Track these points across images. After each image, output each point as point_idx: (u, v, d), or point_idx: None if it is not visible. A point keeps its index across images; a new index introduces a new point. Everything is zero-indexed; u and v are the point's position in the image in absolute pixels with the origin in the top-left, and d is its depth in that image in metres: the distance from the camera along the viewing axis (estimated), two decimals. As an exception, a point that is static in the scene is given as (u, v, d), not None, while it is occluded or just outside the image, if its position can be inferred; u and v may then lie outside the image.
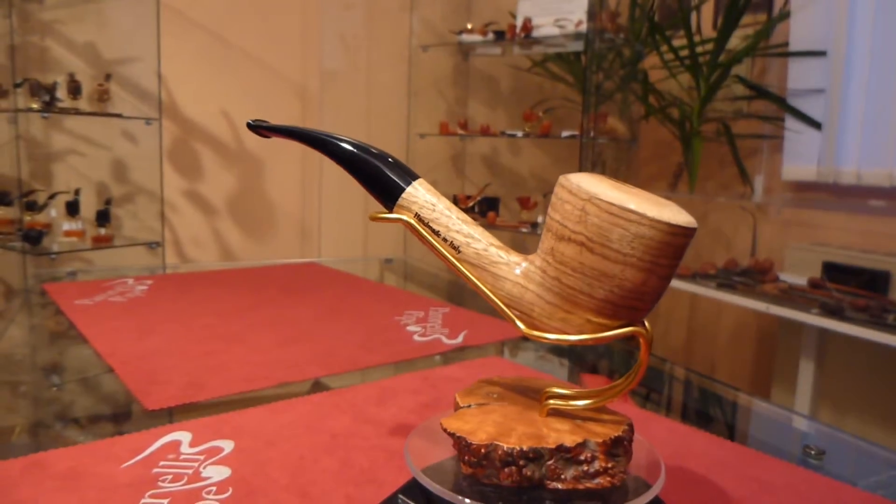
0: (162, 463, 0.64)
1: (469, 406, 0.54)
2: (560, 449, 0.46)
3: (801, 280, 2.06)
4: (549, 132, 2.66)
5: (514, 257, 0.52)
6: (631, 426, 0.50)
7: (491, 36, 2.77)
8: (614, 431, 0.48)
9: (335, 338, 1.06)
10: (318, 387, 0.87)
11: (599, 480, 0.46)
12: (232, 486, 0.60)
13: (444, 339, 1.06)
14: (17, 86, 2.10)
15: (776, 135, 2.38)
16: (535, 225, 2.68)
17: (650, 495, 0.47)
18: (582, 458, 0.46)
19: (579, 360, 1.09)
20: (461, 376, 0.90)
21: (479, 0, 3.08)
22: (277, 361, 0.94)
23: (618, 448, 0.47)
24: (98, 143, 2.41)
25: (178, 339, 1.03)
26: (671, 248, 0.45)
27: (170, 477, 0.62)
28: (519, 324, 0.51)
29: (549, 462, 0.47)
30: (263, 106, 2.74)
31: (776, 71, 2.44)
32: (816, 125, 2.22)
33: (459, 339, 1.06)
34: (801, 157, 2.29)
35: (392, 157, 0.55)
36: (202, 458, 0.66)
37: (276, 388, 0.85)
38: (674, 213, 0.45)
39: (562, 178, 0.48)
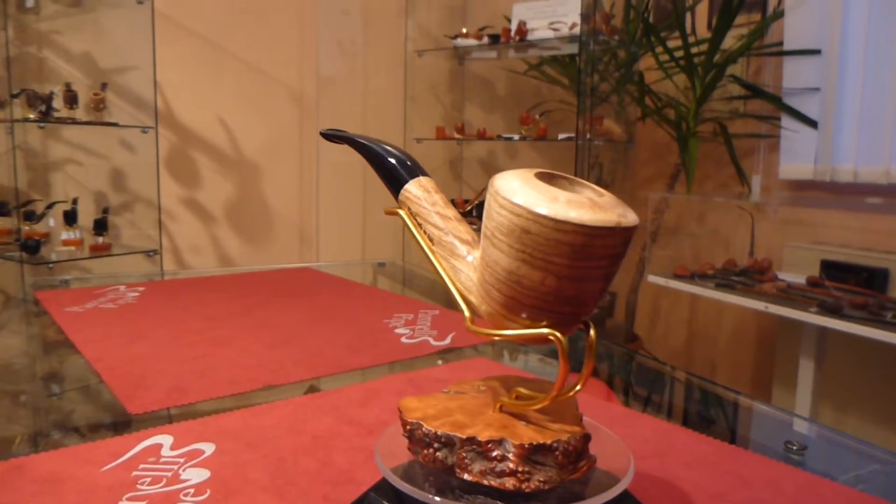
0: (142, 466, 0.65)
1: (447, 392, 0.55)
2: (470, 440, 0.46)
3: (799, 279, 2.05)
4: (546, 135, 2.67)
5: (477, 251, 0.52)
6: (579, 438, 0.48)
7: (486, 40, 2.78)
8: (541, 438, 0.46)
9: (323, 341, 1.06)
10: (305, 390, 0.87)
11: (504, 480, 0.45)
12: (210, 487, 0.61)
13: (432, 341, 1.06)
14: (14, 96, 2.11)
15: (772, 134, 2.37)
16: (532, 228, 2.67)
17: (614, 492, 0.47)
18: (493, 454, 0.46)
19: (578, 363, 1.09)
20: (447, 377, 0.90)
21: (473, 4, 3.09)
22: (264, 365, 0.94)
23: (542, 456, 0.46)
24: (95, 152, 2.43)
25: (167, 344, 1.03)
26: (564, 246, 0.42)
27: (148, 480, 0.62)
28: (466, 314, 0.51)
29: (460, 451, 0.47)
30: (260, 113, 2.75)
31: (771, 70, 2.44)
32: (812, 124, 2.22)
33: (447, 341, 1.06)
34: (797, 155, 2.29)
35: (406, 157, 0.59)
36: (182, 460, 0.66)
37: (262, 390, 0.86)
38: (572, 210, 0.42)
39: None
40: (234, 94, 2.67)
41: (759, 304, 1.91)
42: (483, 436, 0.46)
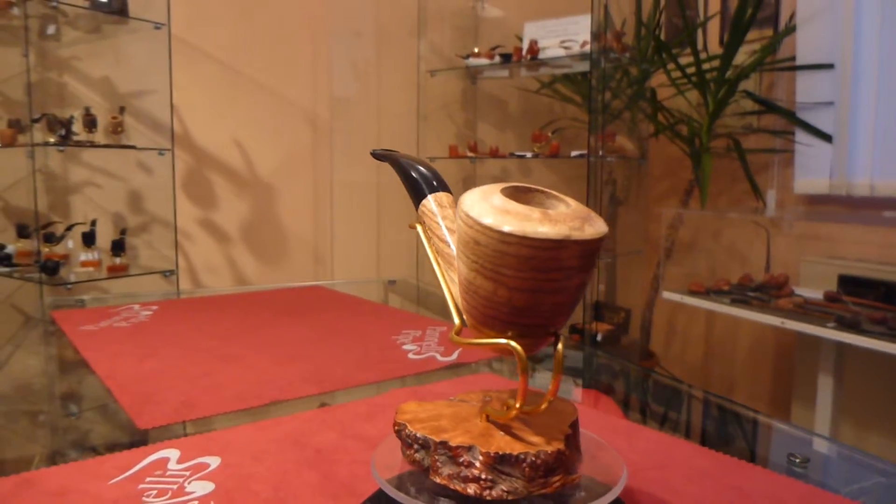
0: (148, 479, 0.66)
1: (452, 399, 0.57)
2: (443, 444, 0.48)
3: (816, 294, 2.03)
4: (559, 152, 2.67)
5: None
6: (550, 453, 0.47)
7: (498, 59, 2.80)
8: (509, 449, 0.47)
9: (331, 357, 1.07)
10: (312, 405, 0.88)
11: (468, 486, 0.46)
12: (214, 499, 0.61)
13: (439, 357, 1.06)
14: (34, 121, 2.16)
15: (787, 149, 2.36)
16: (546, 245, 2.67)
17: (603, 502, 0.47)
18: (461, 459, 0.47)
19: (594, 380, 1.09)
20: (451, 392, 0.90)
21: (485, 24, 3.12)
22: (272, 381, 0.95)
23: (509, 466, 0.46)
24: (113, 175, 2.47)
25: (177, 361, 1.05)
26: (510, 258, 0.43)
27: (154, 492, 0.63)
28: (455, 323, 0.52)
29: (433, 453, 0.48)
30: (275, 134, 2.78)
31: (784, 85, 2.43)
32: (827, 138, 2.21)
33: (454, 357, 1.07)
34: (812, 170, 2.27)
35: (432, 175, 0.61)
36: (188, 473, 0.67)
37: (270, 406, 0.87)
38: (519, 222, 0.43)
39: None
40: (249, 116, 2.71)
41: (775, 320, 1.90)
42: (455, 441, 0.48)
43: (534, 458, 0.46)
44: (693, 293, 2.19)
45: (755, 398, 2.52)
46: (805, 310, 1.90)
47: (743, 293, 2.11)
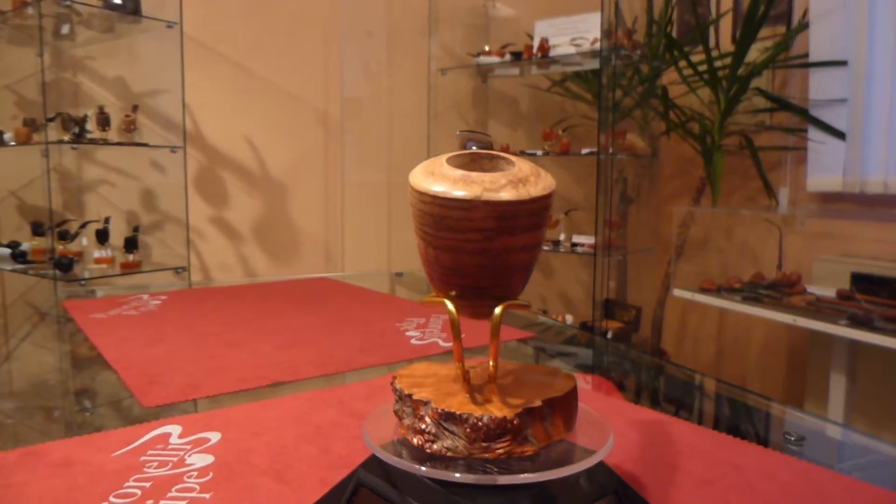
0: (150, 452, 0.67)
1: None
2: (408, 397, 0.50)
3: (829, 292, 2.01)
4: (569, 150, 2.68)
5: None
6: (494, 418, 0.47)
7: (508, 57, 2.81)
8: (457, 408, 0.48)
9: (334, 342, 1.08)
10: (313, 387, 0.89)
11: (416, 437, 0.49)
12: (213, 471, 0.62)
13: (441, 343, 1.07)
14: (49, 120, 2.19)
15: (800, 146, 2.35)
16: (556, 243, 2.68)
17: (586, 464, 0.47)
18: (417, 412, 0.49)
19: (604, 372, 1.09)
20: (453, 375, 0.90)
21: (495, 22, 3.13)
22: (275, 364, 0.96)
23: (453, 425, 0.47)
24: (127, 173, 2.50)
25: (183, 346, 1.06)
26: (427, 216, 0.45)
27: (155, 464, 0.64)
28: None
29: (402, 405, 0.51)
30: (286, 133, 2.80)
31: (797, 82, 2.42)
32: (840, 135, 2.19)
33: (457, 342, 1.07)
34: (825, 167, 2.26)
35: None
36: (189, 447, 0.68)
37: (272, 387, 0.87)
38: (434, 182, 0.45)
39: None
40: (260, 115, 2.73)
41: (787, 318, 1.89)
42: (418, 395, 0.50)
43: (476, 421, 0.47)
44: (704, 291, 2.18)
45: (768, 394, 2.49)
46: (818, 307, 1.89)
47: (755, 291, 2.10)
